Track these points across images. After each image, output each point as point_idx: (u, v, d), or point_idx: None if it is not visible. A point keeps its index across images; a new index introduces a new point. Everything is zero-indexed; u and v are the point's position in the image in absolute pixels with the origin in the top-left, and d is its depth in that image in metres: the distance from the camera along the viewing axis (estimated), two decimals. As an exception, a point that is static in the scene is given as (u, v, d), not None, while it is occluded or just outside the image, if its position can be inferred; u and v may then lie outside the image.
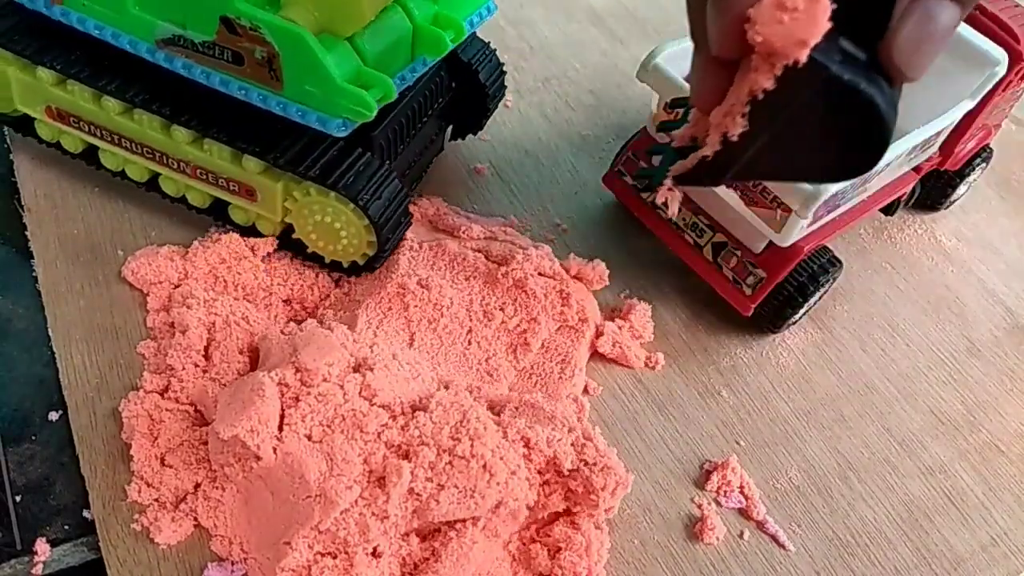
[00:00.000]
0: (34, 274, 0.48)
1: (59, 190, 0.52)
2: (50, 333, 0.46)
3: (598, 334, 0.50)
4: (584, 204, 0.59)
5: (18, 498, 0.41)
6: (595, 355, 0.50)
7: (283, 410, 0.40)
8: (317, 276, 0.50)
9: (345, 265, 0.49)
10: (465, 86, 0.54)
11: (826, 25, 0.28)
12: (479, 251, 0.51)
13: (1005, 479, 0.50)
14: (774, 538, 0.45)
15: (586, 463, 0.41)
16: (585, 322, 0.50)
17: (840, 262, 0.52)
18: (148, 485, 0.40)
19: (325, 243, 0.48)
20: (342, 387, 0.41)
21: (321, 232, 0.47)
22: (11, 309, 0.47)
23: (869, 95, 0.29)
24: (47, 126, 0.51)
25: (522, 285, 0.49)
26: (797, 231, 0.48)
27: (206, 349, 0.45)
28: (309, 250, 0.49)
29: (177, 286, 0.48)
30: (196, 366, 0.44)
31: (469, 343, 0.48)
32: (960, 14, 0.28)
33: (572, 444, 0.41)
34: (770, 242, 0.49)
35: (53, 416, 0.43)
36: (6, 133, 0.55)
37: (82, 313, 0.47)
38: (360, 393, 0.41)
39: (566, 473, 0.41)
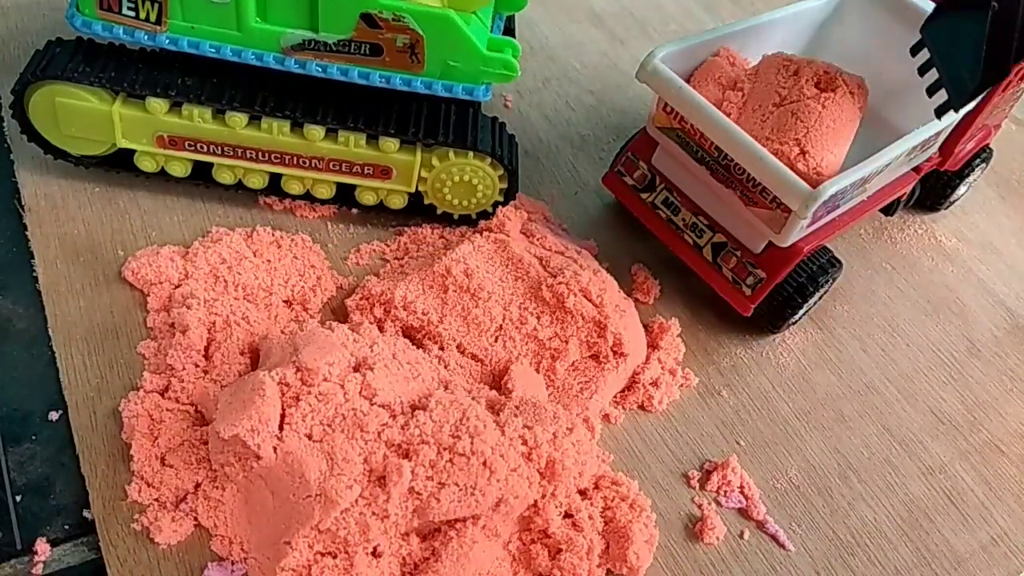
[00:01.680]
0: (34, 274, 0.48)
1: (59, 190, 0.52)
2: (50, 333, 0.46)
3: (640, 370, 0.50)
4: (584, 204, 0.59)
5: (18, 498, 0.41)
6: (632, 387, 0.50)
7: (284, 409, 0.40)
8: (319, 278, 0.50)
9: (474, 217, 0.54)
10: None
11: None
12: (539, 258, 0.51)
13: (1005, 479, 0.50)
14: (774, 538, 0.45)
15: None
16: (621, 356, 0.48)
17: (840, 262, 0.52)
18: (148, 485, 0.40)
19: (460, 200, 0.53)
20: (343, 386, 0.41)
21: (457, 191, 0.52)
22: (11, 309, 0.47)
23: None
24: (152, 157, 0.51)
25: (562, 301, 0.49)
26: (797, 231, 0.48)
27: (206, 349, 0.45)
28: (439, 211, 0.53)
29: (177, 286, 0.48)
30: (196, 366, 0.44)
31: (496, 339, 0.48)
32: None
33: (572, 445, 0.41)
34: (770, 242, 0.49)
35: (53, 416, 0.43)
36: (6, 133, 0.55)
37: (82, 313, 0.47)
38: (360, 392, 0.41)
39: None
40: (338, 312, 0.49)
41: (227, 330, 0.45)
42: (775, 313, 0.52)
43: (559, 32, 0.72)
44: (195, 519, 0.40)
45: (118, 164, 0.52)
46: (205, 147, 0.50)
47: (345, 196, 0.53)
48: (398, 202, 0.53)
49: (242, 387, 0.40)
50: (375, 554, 0.38)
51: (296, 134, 0.49)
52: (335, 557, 0.38)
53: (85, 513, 0.40)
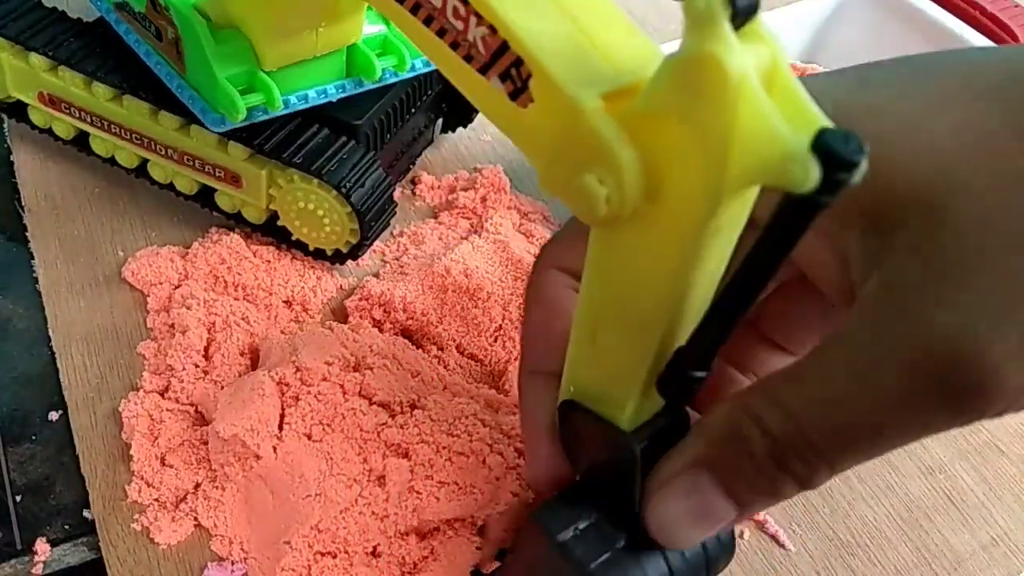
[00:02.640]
0: (34, 274, 0.48)
1: (59, 190, 0.52)
2: (50, 333, 0.46)
3: None
4: (584, 204, 0.59)
5: (18, 498, 0.41)
6: None
7: (283, 409, 0.40)
8: (319, 279, 0.50)
9: (328, 253, 0.49)
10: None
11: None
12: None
13: (1005, 479, 0.50)
14: (774, 538, 0.45)
15: None
16: None
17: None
18: (148, 485, 0.40)
19: (309, 230, 0.48)
20: (342, 386, 0.41)
21: (305, 219, 0.48)
22: (11, 309, 0.47)
23: (584, 567, 0.28)
24: (40, 112, 0.51)
25: None
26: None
27: (206, 349, 0.45)
28: (294, 237, 0.49)
29: (177, 286, 0.48)
30: (196, 366, 0.44)
31: (495, 339, 0.48)
32: (729, 507, 0.26)
33: None
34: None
35: (53, 416, 0.43)
36: (6, 133, 0.55)
37: (82, 313, 0.47)
38: (360, 392, 0.41)
39: None
40: (338, 312, 0.49)
41: (227, 330, 0.45)
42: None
43: (559, 32, 0.72)
44: (195, 519, 0.40)
45: (19, 114, 0.53)
46: (78, 113, 0.50)
47: (209, 197, 0.50)
48: (254, 216, 0.49)
49: (242, 387, 0.40)
50: (374, 554, 0.38)
51: (153, 119, 0.48)
52: (335, 557, 0.38)
53: (85, 513, 0.40)
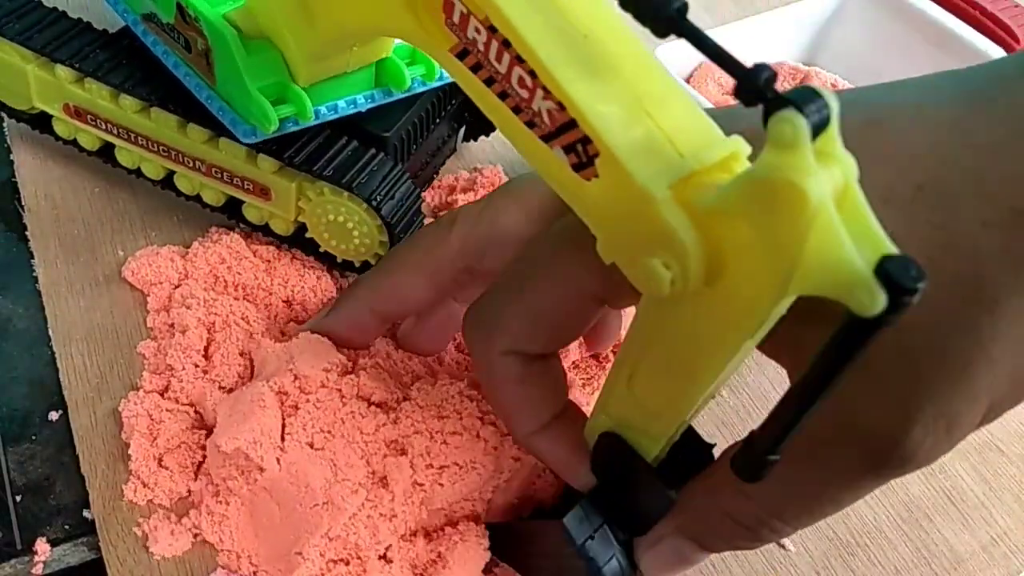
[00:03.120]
0: (34, 274, 0.48)
1: (59, 190, 0.52)
2: (50, 333, 0.46)
3: None
4: (584, 204, 0.59)
5: (18, 498, 0.41)
6: None
7: (284, 419, 0.39)
8: (319, 278, 0.50)
9: (357, 265, 0.49)
10: None
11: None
12: None
13: (1005, 479, 0.50)
14: (774, 538, 0.45)
15: None
16: None
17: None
18: (144, 485, 0.40)
19: (338, 242, 0.48)
20: (340, 391, 0.40)
21: (334, 231, 0.47)
22: (11, 309, 0.47)
23: (596, 566, 0.34)
24: (64, 123, 0.51)
25: None
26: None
27: (206, 349, 0.45)
28: (321, 249, 0.49)
29: (177, 286, 0.48)
30: (196, 366, 0.44)
31: None
32: (704, 555, 0.34)
33: None
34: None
35: (53, 416, 0.43)
36: (6, 133, 0.55)
37: (82, 313, 0.47)
38: (357, 394, 0.41)
39: None
40: None
41: (227, 330, 0.45)
42: (775, 313, 0.52)
43: (559, 32, 0.72)
44: (199, 535, 0.39)
45: (43, 126, 0.52)
46: (104, 125, 0.50)
47: (236, 208, 0.50)
48: (282, 228, 0.49)
49: (241, 399, 0.40)
50: (386, 559, 0.38)
51: (182, 132, 0.47)
52: (348, 564, 0.38)
53: (85, 513, 0.40)
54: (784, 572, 0.44)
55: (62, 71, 0.49)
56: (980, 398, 0.26)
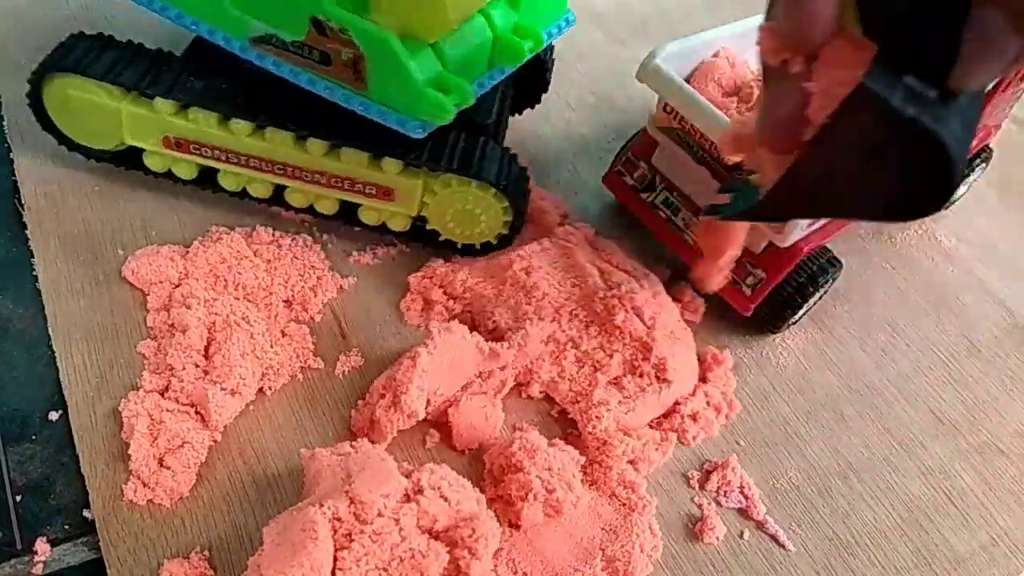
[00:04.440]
0: (34, 273, 0.48)
1: (59, 190, 0.52)
2: (50, 333, 0.46)
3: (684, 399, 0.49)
4: (584, 204, 0.59)
5: (18, 498, 0.41)
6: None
7: (336, 551, 0.36)
8: (319, 279, 0.50)
9: (477, 247, 0.52)
10: (528, 70, 0.55)
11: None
12: (601, 271, 0.51)
13: (1005, 479, 0.50)
14: (774, 538, 0.45)
15: None
16: (664, 383, 0.48)
17: (840, 262, 0.52)
18: (144, 485, 0.40)
19: (463, 229, 0.51)
20: (398, 521, 0.37)
21: (459, 219, 0.50)
22: (11, 309, 0.47)
23: (933, 130, 0.28)
24: (159, 157, 0.51)
25: (611, 315, 0.48)
26: (797, 231, 0.48)
27: (206, 349, 0.45)
28: (442, 238, 0.52)
29: (177, 286, 0.48)
30: (196, 366, 0.44)
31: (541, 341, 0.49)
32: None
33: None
34: (770, 242, 0.49)
35: (53, 416, 0.43)
36: (6, 132, 0.55)
37: (82, 313, 0.47)
38: (418, 524, 0.37)
39: None
40: (400, 286, 0.51)
41: (227, 330, 0.45)
42: (775, 313, 0.52)
43: (559, 32, 0.72)
44: None
45: (128, 161, 0.52)
46: (210, 152, 0.49)
47: (349, 213, 0.52)
48: (400, 224, 0.51)
49: (291, 525, 0.36)
50: None
51: (299, 147, 0.48)
52: None
53: (85, 513, 0.40)
54: (784, 572, 0.44)
55: (163, 104, 0.48)
56: None
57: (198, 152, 0.50)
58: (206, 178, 0.52)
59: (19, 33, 0.60)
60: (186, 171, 0.51)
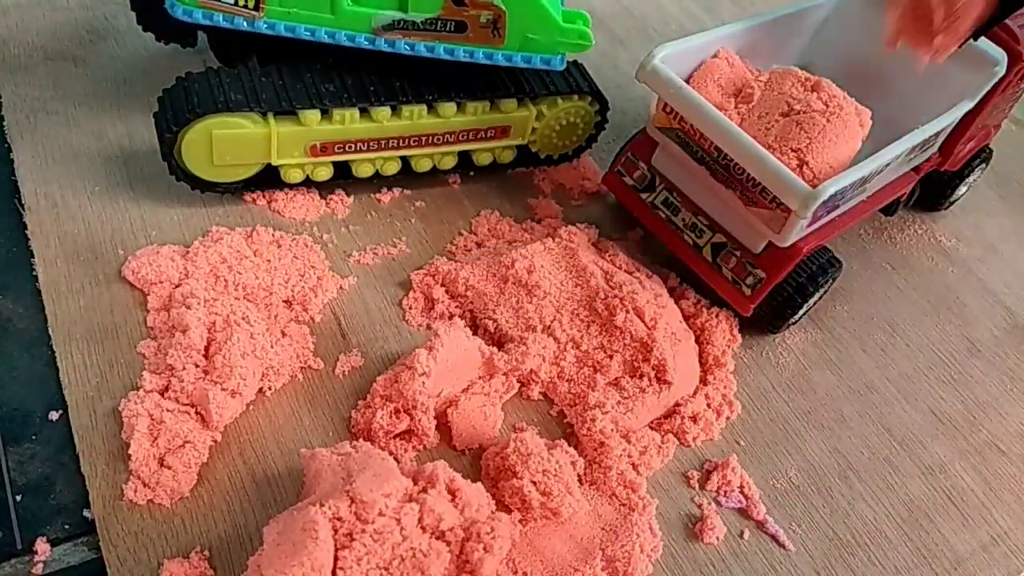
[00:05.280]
0: (34, 273, 0.48)
1: (59, 190, 0.52)
2: (50, 333, 0.46)
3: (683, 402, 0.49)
4: (585, 204, 0.59)
5: (18, 498, 0.41)
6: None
7: (337, 550, 0.36)
8: (319, 279, 0.50)
9: (570, 154, 0.59)
10: None
11: None
12: (604, 271, 0.51)
13: (1005, 479, 0.50)
14: (774, 538, 0.45)
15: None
16: (664, 384, 0.48)
17: (840, 262, 0.52)
18: (144, 485, 0.40)
19: (563, 141, 0.58)
20: (399, 521, 0.36)
21: (563, 133, 0.58)
22: (11, 309, 0.47)
23: None
24: (299, 168, 0.52)
25: (612, 315, 0.48)
26: (797, 231, 0.48)
27: (206, 349, 0.45)
28: (543, 155, 0.58)
29: (177, 286, 0.48)
30: (196, 366, 0.44)
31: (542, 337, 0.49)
32: None
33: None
34: (770, 242, 0.49)
35: (53, 416, 0.43)
36: (6, 131, 0.55)
37: (82, 312, 0.47)
38: (420, 524, 0.37)
39: None
40: (403, 284, 0.51)
41: (227, 330, 0.45)
42: (775, 313, 0.52)
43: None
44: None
45: (263, 183, 0.53)
46: (353, 147, 0.53)
47: (464, 163, 0.57)
48: (509, 156, 0.57)
49: (292, 524, 0.36)
50: None
51: (432, 115, 0.53)
52: None
53: (85, 513, 0.40)
54: (784, 572, 0.44)
55: (309, 115, 0.50)
56: None
57: (338, 151, 0.52)
58: (340, 174, 0.54)
59: (19, 33, 0.60)
60: (324, 173, 0.54)
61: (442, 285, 0.51)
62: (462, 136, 0.54)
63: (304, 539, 0.35)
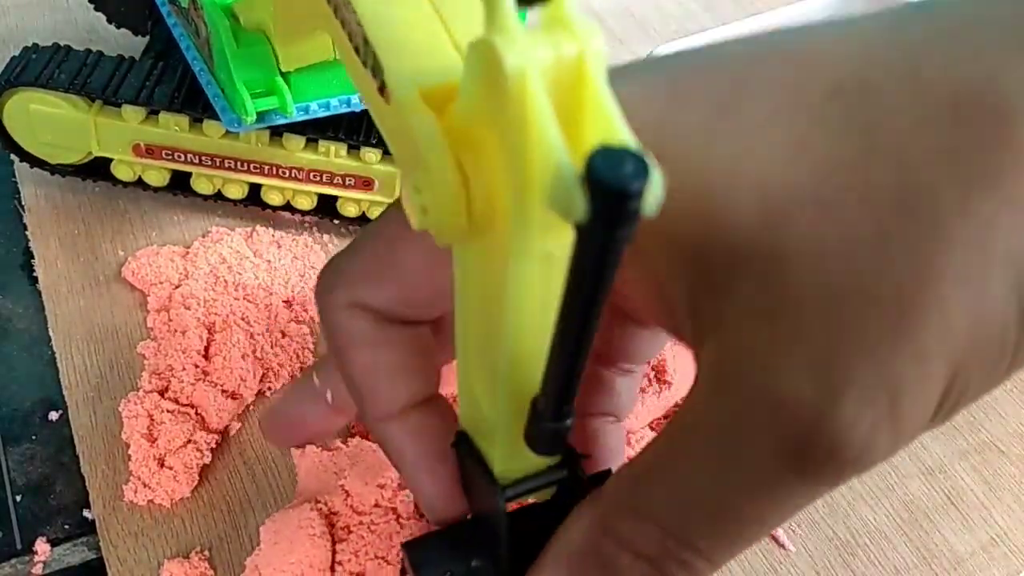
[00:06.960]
0: (34, 274, 0.48)
1: (59, 190, 0.52)
2: (50, 333, 0.46)
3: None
4: (584, 204, 0.59)
5: (18, 498, 0.41)
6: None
7: (334, 545, 0.36)
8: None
9: None
10: None
11: None
12: None
13: (1005, 479, 0.50)
14: (774, 538, 0.45)
15: None
16: (664, 384, 0.47)
17: (840, 262, 0.52)
18: (145, 486, 0.40)
19: None
20: (395, 510, 0.36)
21: None
22: (11, 309, 0.47)
23: None
24: (128, 166, 0.49)
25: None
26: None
27: (206, 350, 0.45)
28: None
29: (177, 286, 0.48)
30: (196, 367, 0.44)
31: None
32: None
33: None
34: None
35: (53, 416, 0.43)
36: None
37: (82, 313, 0.47)
38: (416, 512, 0.37)
39: None
40: None
41: (227, 331, 0.45)
42: (775, 313, 0.52)
43: (559, 32, 0.72)
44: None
45: (95, 173, 0.50)
46: (183, 156, 0.48)
47: (327, 207, 0.51)
48: (377, 213, 0.50)
49: (287, 523, 0.36)
50: None
51: (275, 144, 0.47)
52: None
53: (85, 513, 0.40)
54: (784, 572, 0.44)
55: (131, 111, 0.47)
56: (931, 357, 0.19)
57: (170, 158, 0.48)
58: (177, 184, 0.50)
59: (19, 33, 0.60)
60: (157, 178, 0.50)
61: None
62: (315, 177, 0.48)
63: (300, 537, 0.35)
